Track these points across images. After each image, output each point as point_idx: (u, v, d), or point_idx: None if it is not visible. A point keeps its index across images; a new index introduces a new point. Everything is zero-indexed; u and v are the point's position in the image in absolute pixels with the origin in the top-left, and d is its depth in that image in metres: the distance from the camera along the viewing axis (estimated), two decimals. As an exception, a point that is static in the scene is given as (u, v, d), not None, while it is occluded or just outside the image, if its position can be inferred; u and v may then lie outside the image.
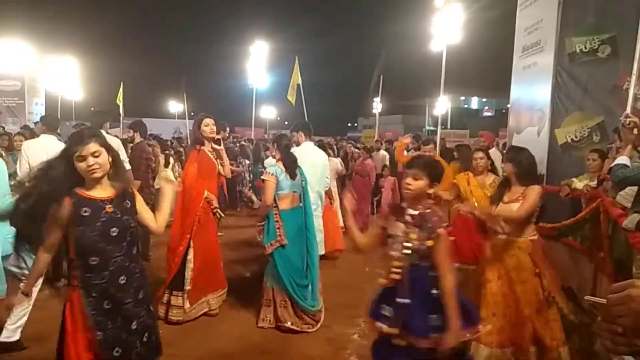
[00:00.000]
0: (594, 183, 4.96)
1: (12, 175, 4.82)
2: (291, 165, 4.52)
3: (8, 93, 15.96)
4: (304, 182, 4.64)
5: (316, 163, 5.12)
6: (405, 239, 2.52)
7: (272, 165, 4.54)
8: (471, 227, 4.01)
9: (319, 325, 4.49)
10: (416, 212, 2.56)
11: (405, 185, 2.59)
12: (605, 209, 4.13)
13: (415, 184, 2.56)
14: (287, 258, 4.39)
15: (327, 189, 5.42)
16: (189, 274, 4.43)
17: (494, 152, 7.34)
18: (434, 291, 2.47)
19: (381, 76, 15.44)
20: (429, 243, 2.47)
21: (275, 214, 4.44)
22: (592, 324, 4.37)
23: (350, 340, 4.25)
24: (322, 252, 5.28)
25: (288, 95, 14.78)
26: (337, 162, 7.08)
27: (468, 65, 28.63)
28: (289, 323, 4.36)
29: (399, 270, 2.53)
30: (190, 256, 4.44)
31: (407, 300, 2.50)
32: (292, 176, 4.50)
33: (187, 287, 4.42)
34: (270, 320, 4.43)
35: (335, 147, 12.56)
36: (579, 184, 5.17)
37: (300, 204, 4.61)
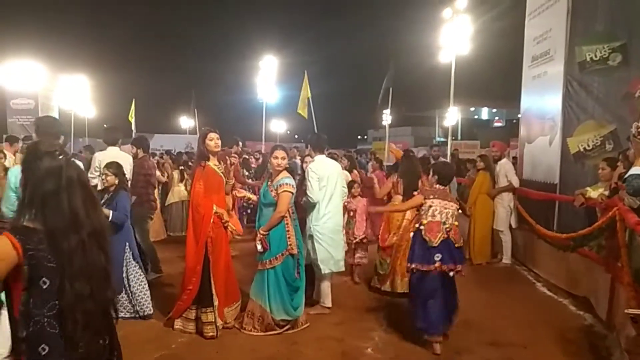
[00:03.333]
0: (608, 192, 4.91)
1: None
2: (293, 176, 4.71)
3: (22, 112, 16.21)
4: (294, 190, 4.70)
5: (333, 174, 5.11)
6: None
7: (288, 177, 4.57)
8: None
9: (303, 327, 4.66)
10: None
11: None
12: (622, 217, 4.08)
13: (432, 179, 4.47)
14: (288, 265, 4.52)
15: (345, 197, 5.42)
16: (214, 289, 4.45)
17: (505, 163, 7.29)
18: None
19: (390, 88, 15.49)
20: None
21: (287, 223, 4.50)
22: (610, 335, 4.32)
23: (364, 354, 4.20)
24: (343, 268, 5.24)
25: (299, 109, 14.82)
26: (347, 175, 7.06)
27: (477, 76, 28.59)
28: (251, 331, 4.54)
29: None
30: (212, 272, 4.45)
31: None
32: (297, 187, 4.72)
33: (216, 303, 4.45)
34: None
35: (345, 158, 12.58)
36: (593, 193, 5.11)
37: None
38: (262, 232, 4.45)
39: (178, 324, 4.54)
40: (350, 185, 5.82)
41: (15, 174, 3.45)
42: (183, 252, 4.60)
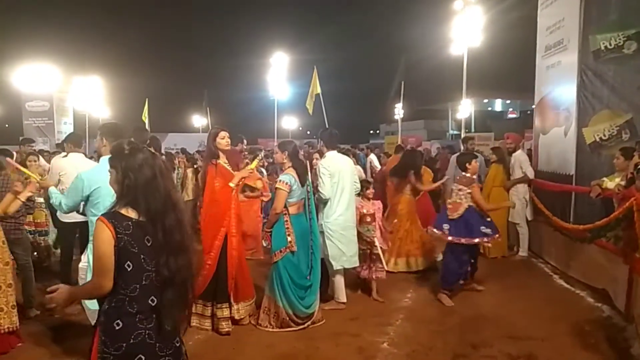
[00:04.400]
0: (625, 182, 4.84)
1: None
2: (303, 173, 4.65)
3: (37, 113, 16.46)
4: (309, 188, 4.74)
5: (345, 170, 5.11)
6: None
7: (286, 174, 4.62)
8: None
9: (318, 324, 4.65)
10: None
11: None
12: (639, 207, 4.02)
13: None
14: (292, 262, 4.55)
15: (357, 192, 5.41)
16: (230, 284, 4.51)
17: (520, 155, 7.21)
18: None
19: (402, 82, 15.39)
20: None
21: (286, 221, 4.58)
22: (628, 327, 4.27)
23: (380, 349, 4.21)
24: (356, 264, 5.23)
25: (306, 103, 14.82)
26: (360, 170, 7.05)
27: (490, 68, 28.34)
28: (267, 327, 4.58)
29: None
30: (229, 267, 4.50)
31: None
32: (303, 183, 4.63)
33: (232, 299, 4.54)
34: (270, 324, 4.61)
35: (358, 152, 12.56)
36: (610, 183, 5.04)
37: (304, 210, 4.73)
38: (266, 229, 4.64)
39: (194, 321, 4.57)
40: (363, 185, 5.56)
41: (87, 177, 3.57)
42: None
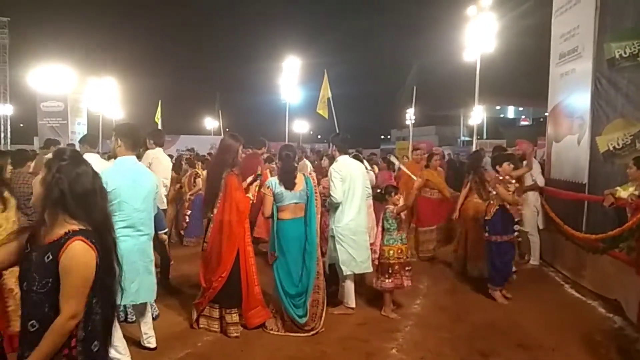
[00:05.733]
0: (639, 192, 4.79)
1: None
2: (285, 177, 4.57)
3: (52, 114, 16.67)
4: (309, 193, 4.64)
5: (356, 175, 5.10)
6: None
7: (271, 178, 4.68)
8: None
9: (312, 333, 4.55)
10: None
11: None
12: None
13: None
14: (283, 267, 4.57)
15: (369, 198, 5.39)
16: (244, 292, 4.51)
17: (534, 162, 7.17)
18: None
19: (414, 87, 15.38)
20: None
21: (274, 226, 4.64)
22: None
23: (389, 355, 4.19)
24: (370, 269, 5.22)
25: (318, 109, 14.83)
26: (372, 175, 7.00)
27: (503, 74, 28.23)
28: (272, 330, 4.57)
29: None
30: (242, 275, 4.51)
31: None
32: (288, 187, 4.54)
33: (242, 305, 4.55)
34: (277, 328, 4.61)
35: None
36: (623, 193, 4.99)
37: (303, 215, 4.64)
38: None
39: (203, 322, 4.60)
40: (388, 190, 5.26)
41: (105, 176, 3.56)
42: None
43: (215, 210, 4.46)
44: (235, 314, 4.49)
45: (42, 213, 1.93)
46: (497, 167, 5.60)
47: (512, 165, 5.61)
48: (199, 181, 8.28)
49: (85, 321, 1.88)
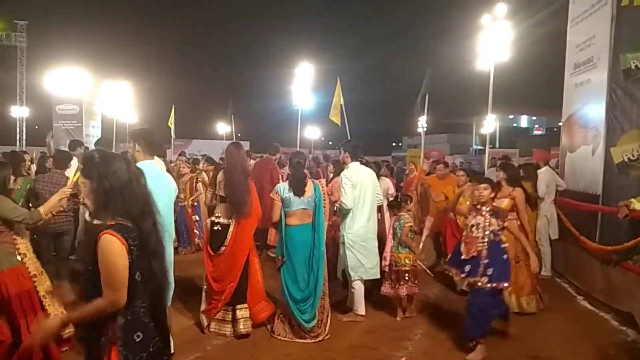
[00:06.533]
0: (654, 204, 4.73)
1: None
2: (296, 184, 4.65)
3: (67, 117, 16.83)
4: (317, 199, 4.69)
5: (367, 182, 5.11)
6: (488, 224, 4.23)
7: (280, 184, 4.79)
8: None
9: (317, 339, 4.56)
10: (489, 209, 4.32)
11: (478, 194, 4.32)
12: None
13: (485, 192, 4.30)
14: (289, 272, 4.63)
15: (380, 204, 5.39)
16: (250, 286, 4.70)
17: (546, 172, 7.11)
18: (504, 256, 4.28)
19: (427, 95, 15.33)
20: (505, 224, 4.28)
21: (281, 230, 4.72)
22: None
23: (398, 363, 4.18)
24: (378, 275, 5.21)
25: (331, 116, 14.83)
26: (389, 182, 6.88)
27: (517, 83, 28.09)
28: (280, 335, 4.61)
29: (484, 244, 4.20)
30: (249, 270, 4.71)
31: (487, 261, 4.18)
32: (297, 193, 4.60)
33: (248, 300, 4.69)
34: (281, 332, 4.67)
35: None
36: (637, 204, 4.93)
37: (311, 221, 4.68)
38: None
39: (213, 326, 4.62)
40: (404, 198, 5.31)
41: None
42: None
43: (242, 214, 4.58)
44: (246, 309, 4.61)
45: (96, 213, 2.10)
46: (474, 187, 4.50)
47: (489, 191, 4.35)
48: (200, 186, 8.28)
49: (126, 309, 1.99)
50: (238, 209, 4.55)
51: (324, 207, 4.75)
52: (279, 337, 4.59)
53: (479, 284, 4.18)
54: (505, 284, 4.24)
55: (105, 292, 1.96)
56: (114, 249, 1.95)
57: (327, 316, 4.72)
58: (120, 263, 1.96)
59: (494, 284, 4.14)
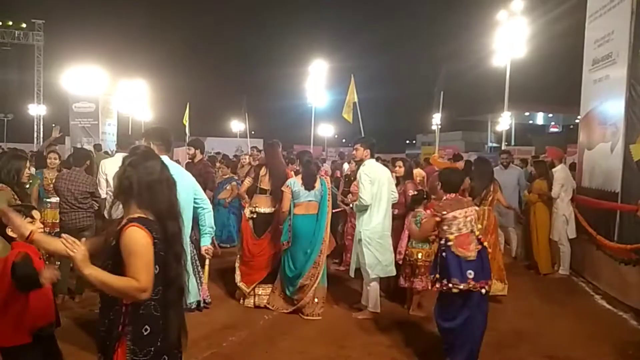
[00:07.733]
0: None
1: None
2: (308, 179, 5.22)
3: (83, 114, 17.04)
4: (323, 193, 5.29)
5: (383, 179, 5.11)
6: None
7: (291, 179, 5.29)
8: None
9: (297, 305, 5.12)
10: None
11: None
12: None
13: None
14: (288, 255, 5.21)
15: (394, 201, 5.38)
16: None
17: (561, 170, 7.03)
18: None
19: (442, 92, 15.27)
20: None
21: (289, 219, 5.24)
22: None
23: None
24: (394, 272, 5.20)
25: (344, 113, 14.84)
26: (421, 172, 6.87)
27: (533, 80, 27.80)
28: (273, 307, 5.27)
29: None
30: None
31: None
32: (308, 187, 5.20)
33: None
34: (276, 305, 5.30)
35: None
36: (658, 202, 4.87)
37: (316, 212, 5.25)
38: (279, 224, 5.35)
39: (257, 302, 5.34)
40: (427, 195, 5.32)
41: None
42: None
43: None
44: (269, 288, 5.38)
45: (118, 203, 2.15)
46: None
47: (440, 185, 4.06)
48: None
49: (137, 304, 2.01)
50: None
51: (328, 200, 5.32)
52: (272, 308, 5.24)
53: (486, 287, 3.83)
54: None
55: (141, 279, 1.94)
56: (142, 239, 1.99)
57: (315, 286, 5.11)
58: (150, 255, 2.00)
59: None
